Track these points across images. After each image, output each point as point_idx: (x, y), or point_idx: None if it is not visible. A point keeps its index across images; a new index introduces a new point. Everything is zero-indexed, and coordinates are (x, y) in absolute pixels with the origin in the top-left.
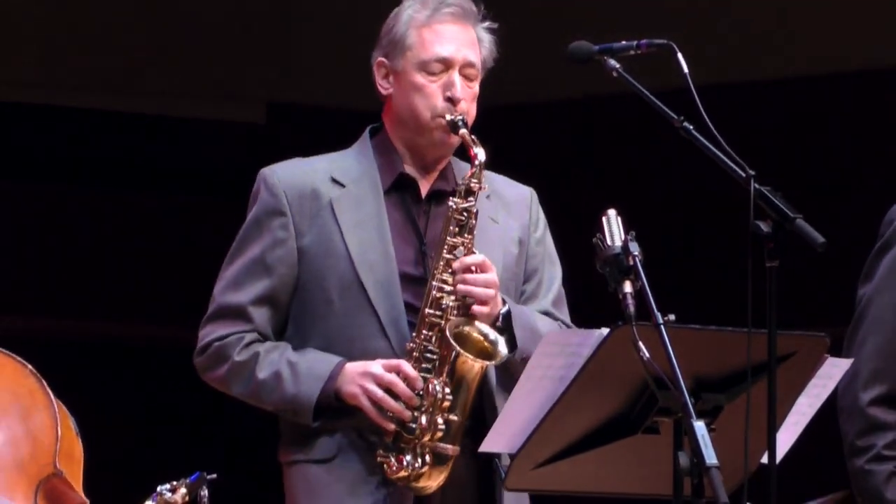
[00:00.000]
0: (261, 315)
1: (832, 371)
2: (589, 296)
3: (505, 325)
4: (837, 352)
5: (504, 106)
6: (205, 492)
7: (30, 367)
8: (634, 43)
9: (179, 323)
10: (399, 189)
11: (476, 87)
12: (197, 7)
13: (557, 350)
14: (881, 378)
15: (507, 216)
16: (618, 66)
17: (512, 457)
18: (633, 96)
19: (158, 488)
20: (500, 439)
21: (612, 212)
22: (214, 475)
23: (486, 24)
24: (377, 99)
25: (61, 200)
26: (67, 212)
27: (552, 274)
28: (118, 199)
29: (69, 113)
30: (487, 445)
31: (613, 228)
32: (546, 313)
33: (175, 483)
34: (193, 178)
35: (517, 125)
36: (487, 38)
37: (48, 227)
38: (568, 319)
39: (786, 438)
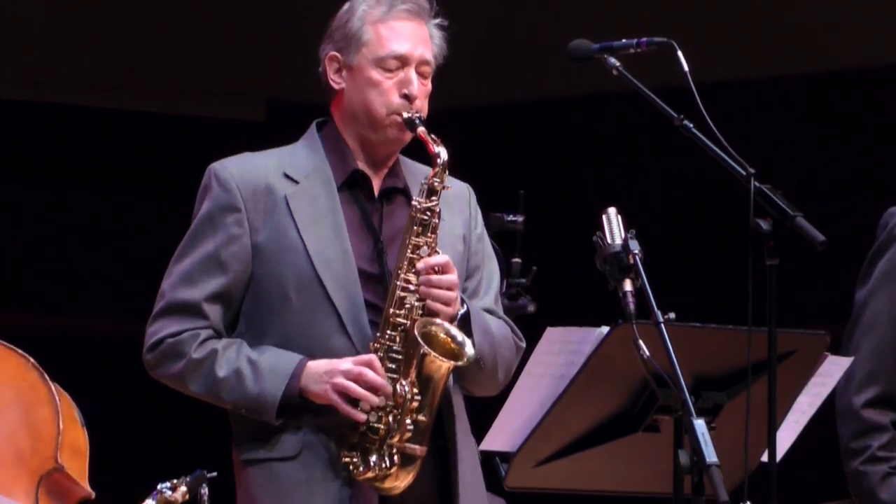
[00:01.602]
0: (215, 312)
1: (832, 369)
2: (589, 294)
3: (462, 325)
4: (837, 350)
5: (504, 104)
6: (205, 490)
7: (32, 360)
8: (634, 41)
9: None
10: (352, 186)
11: (429, 84)
12: (196, 5)
13: (558, 348)
14: (875, 380)
15: (450, 214)
16: (618, 64)
17: (512, 455)
18: (634, 95)
19: (159, 486)
20: (500, 437)
21: (612, 210)
22: (214, 473)
23: (438, 20)
24: None
25: (61, 200)
26: (67, 211)
27: (490, 270)
28: (118, 198)
29: (68, 111)
30: (488, 444)
31: (613, 226)
32: (489, 311)
33: (175, 481)
34: (193, 176)
35: (517, 124)
36: (438, 35)
37: (48, 227)
38: (504, 315)
39: (786, 437)
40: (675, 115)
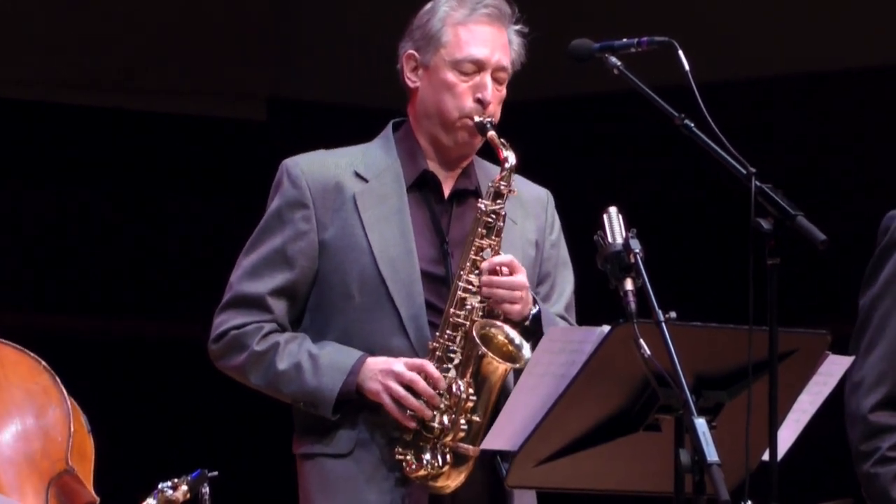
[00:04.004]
0: (279, 306)
1: (833, 368)
2: (590, 293)
3: (534, 326)
4: (838, 349)
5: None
6: (206, 489)
7: (44, 363)
8: (635, 40)
9: (181, 320)
10: (422, 186)
11: (504, 90)
12: (197, 4)
13: (559, 347)
14: (883, 382)
15: (524, 217)
16: (619, 63)
17: (513, 454)
18: (634, 94)
19: (160, 485)
20: (501, 436)
21: (613, 209)
22: (216, 472)
23: (518, 26)
24: (377, 96)
25: (61, 200)
26: (67, 211)
27: (564, 278)
28: (119, 198)
29: (68, 111)
30: (489, 443)
31: (614, 226)
32: (559, 317)
33: (176, 480)
34: (194, 175)
35: (517, 123)
36: (517, 41)
37: (48, 227)
38: (575, 325)
39: (787, 436)
40: (676, 114)
